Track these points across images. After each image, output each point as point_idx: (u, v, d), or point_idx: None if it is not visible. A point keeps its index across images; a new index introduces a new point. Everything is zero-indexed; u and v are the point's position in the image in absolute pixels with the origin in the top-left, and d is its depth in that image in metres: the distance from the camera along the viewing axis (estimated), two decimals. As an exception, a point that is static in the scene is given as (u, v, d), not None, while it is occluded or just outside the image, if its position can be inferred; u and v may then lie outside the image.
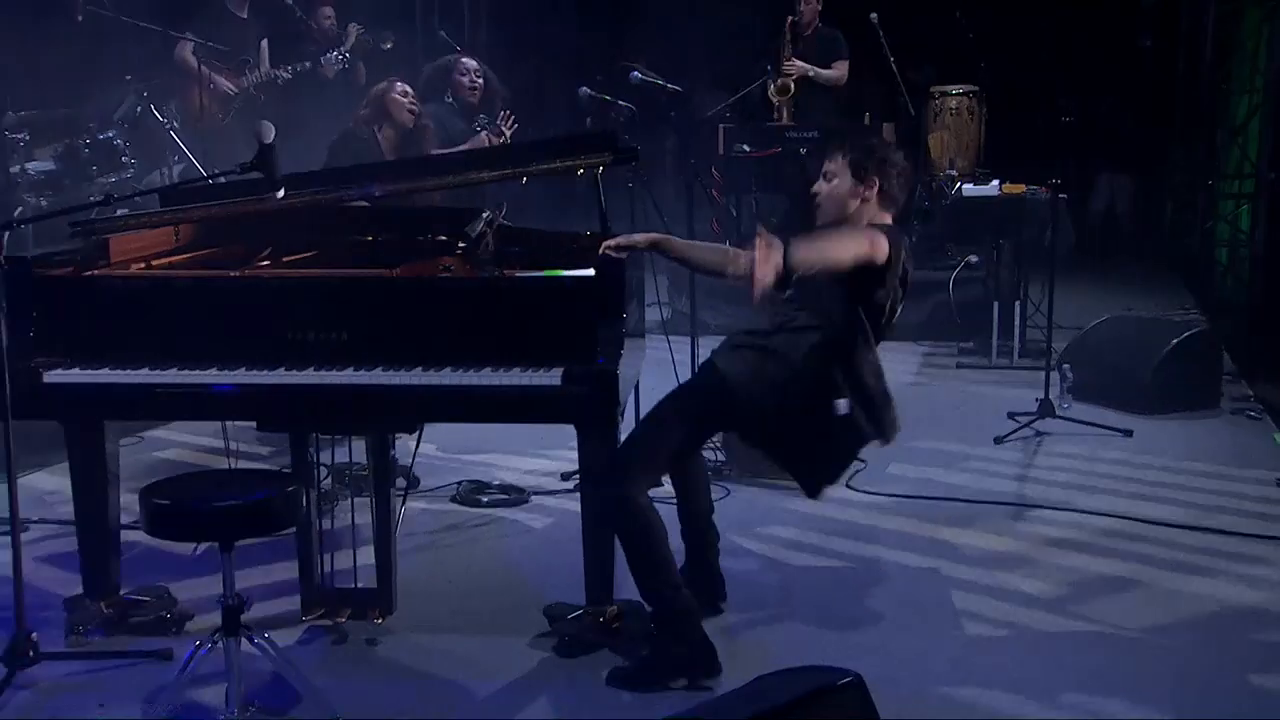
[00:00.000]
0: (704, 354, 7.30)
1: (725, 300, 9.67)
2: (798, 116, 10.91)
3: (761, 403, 4.61)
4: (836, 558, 5.80)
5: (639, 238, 4.82)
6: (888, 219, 4.85)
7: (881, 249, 4.53)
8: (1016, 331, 9.24)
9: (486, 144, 7.74)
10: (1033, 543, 5.92)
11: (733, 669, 4.44)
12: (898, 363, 9.27)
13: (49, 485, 5.71)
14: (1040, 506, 6.37)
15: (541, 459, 6.97)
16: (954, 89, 10.84)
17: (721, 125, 10.66)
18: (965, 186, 9.42)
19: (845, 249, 4.49)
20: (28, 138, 8.72)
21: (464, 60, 8.50)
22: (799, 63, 10.87)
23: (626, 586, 4.82)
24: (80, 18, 9.21)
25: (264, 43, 10.03)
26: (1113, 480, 6.76)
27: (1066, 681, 4.54)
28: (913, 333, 9.91)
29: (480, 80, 8.34)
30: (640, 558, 4.50)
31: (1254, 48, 11.19)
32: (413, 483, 6.27)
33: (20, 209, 8.14)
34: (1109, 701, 4.39)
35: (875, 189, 4.81)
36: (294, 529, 4.56)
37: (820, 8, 10.91)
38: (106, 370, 4.63)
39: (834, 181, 4.91)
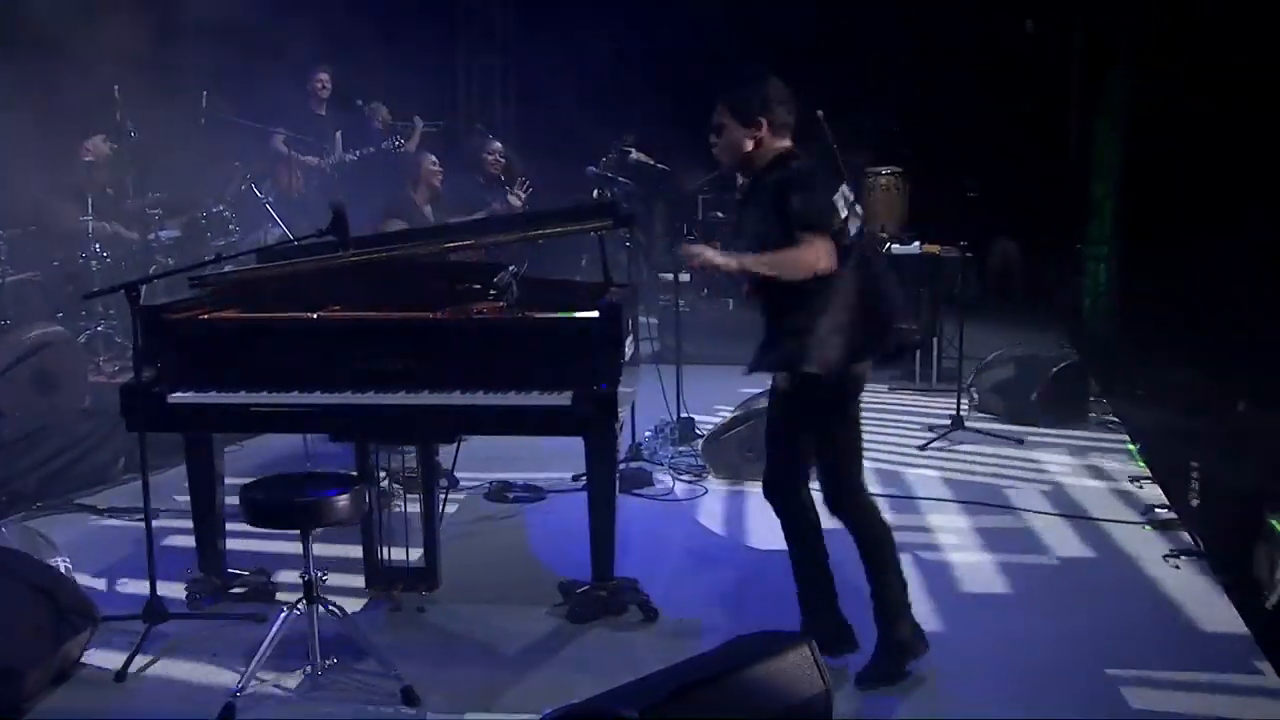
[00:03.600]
0: (689, 380, 7.33)
1: (703, 335, 9.62)
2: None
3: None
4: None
5: (720, 261, 4.06)
6: (787, 142, 4.21)
7: (826, 252, 3.91)
8: (935, 361, 9.21)
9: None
10: (951, 530, 5.88)
11: (708, 638, 4.38)
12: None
13: (172, 483, 5.65)
14: (956, 500, 6.32)
15: (555, 464, 6.90)
16: (884, 169, 10.81)
17: (700, 196, 10.67)
18: (893, 246, 9.39)
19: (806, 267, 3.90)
20: (161, 212, 8.75)
21: (492, 143, 8.60)
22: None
23: (625, 565, 4.77)
24: (203, 120, 9.25)
25: (338, 134, 10.05)
26: (1009, 479, 6.72)
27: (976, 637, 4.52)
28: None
29: (502, 160, 8.49)
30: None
31: (1106, 145, 11.32)
32: (453, 483, 6.21)
33: (154, 267, 8.13)
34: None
35: (765, 127, 4.14)
36: (359, 520, 4.48)
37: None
38: (214, 393, 4.60)
39: (725, 134, 4.25)
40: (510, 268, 4.78)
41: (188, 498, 5.01)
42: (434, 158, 7.32)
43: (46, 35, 8.80)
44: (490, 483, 6.46)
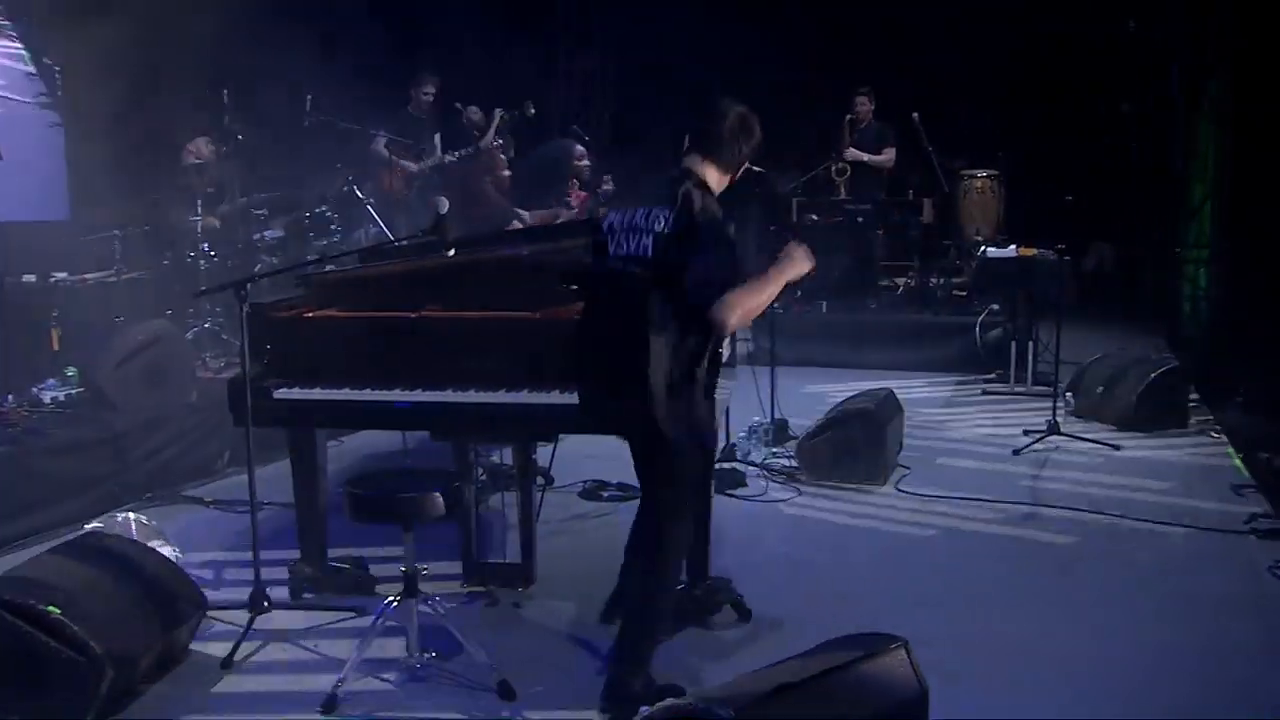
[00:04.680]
0: (782, 382, 7.29)
1: (797, 337, 9.60)
2: (854, 192, 10.83)
3: None
4: (887, 546, 5.68)
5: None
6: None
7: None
8: (1030, 364, 9.04)
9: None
10: (1044, 535, 5.78)
11: (801, 639, 4.33)
12: (934, 389, 9.12)
13: (274, 477, 5.74)
14: (1050, 506, 6.19)
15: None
16: (979, 172, 10.69)
17: (795, 198, 10.61)
18: (988, 250, 9.26)
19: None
20: (266, 213, 8.90)
21: (579, 147, 8.88)
22: (855, 150, 10.80)
23: (719, 565, 4.75)
24: (307, 123, 9.40)
25: (436, 136, 10.17)
26: (1105, 485, 6.56)
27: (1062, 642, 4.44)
28: (947, 365, 9.75)
29: (586, 163, 8.75)
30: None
31: (1206, 150, 11.05)
32: (549, 481, 6.22)
33: (259, 266, 8.28)
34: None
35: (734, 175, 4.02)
36: (458, 516, 4.51)
37: (873, 107, 10.84)
38: (319, 390, 4.66)
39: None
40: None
41: (291, 491, 5.08)
42: (501, 146, 7.41)
43: (156, 39, 9.01)
44: (585, 482, 6.47)
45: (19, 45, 9.36)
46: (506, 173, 6.84)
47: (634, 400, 3.79)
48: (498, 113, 10.27)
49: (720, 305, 3.70)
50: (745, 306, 3.77)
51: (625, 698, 3.87)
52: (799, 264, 3.97)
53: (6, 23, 9.01)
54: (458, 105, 10.26)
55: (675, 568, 4.07)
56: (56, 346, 7.39)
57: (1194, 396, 8.17)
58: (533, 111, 10.29)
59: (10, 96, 7.03)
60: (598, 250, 3.99)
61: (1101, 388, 7.99)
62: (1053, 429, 7.41)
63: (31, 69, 9.29)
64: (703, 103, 4.06)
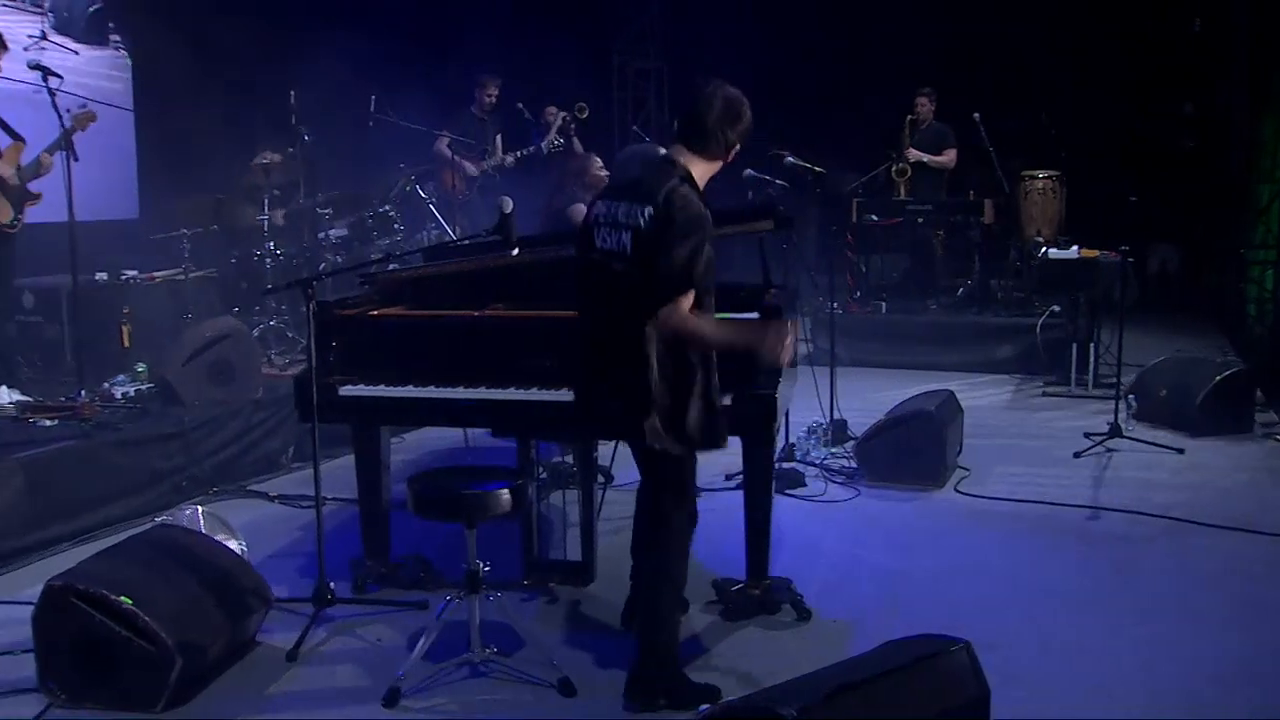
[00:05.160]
0: (841, 382, 7.25)
1: (856, 338, 9.54)
2: (914, 192, 10.75)
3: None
4: (945, 548, 5.62)
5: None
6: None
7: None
8: (1091, 367, 8.90)
9: None
10: (1105, 539, 5.69)
11: (861, 640, 4.31)
12: (994, 391, 9.03)
13: (337, 472, 5.79)
14: (1111, 509, 6.09)
15: (707, 463, 6.87)
16: (1040, 173, 10.55)
17: (855, 199, 10.55)
18: (1050, 251, 9.14)
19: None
20: (330, 212, 8.99)
21: (596, 158, 8.91)
22: (915, 151, 10.72)
23: (779, 565, 4.72)
24: (371, 124, 9.49)
25: (498, 136, 10.22)
26: (1169, 489, 6.45)
27: (1123, 645, 4.39)
28: (1007, 366, 9.64)
29: (605, 173, 8.75)
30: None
31: (1272, 147, 10.85)
32: (609, 479, 6.22)
33: (323, 265, 8.37)
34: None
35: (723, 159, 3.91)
36: (519, 514, 4.51)
37: (934, 107, 10.75)
38: (383, 387, 4.70)
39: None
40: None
41: (355, 487, 5.11)
42: (599, 160, 7.37)
43: (225, 42, 9.15)
44: (644, 480, 6.45)
45: (119, 51, 9.67)
46: (603, 173, 6.84)
47: (625, 403, 3.74)
48: (549, 111, 10.35)
49: (673, 310, 3.61)
50: (694, 330, 3.67)
51: (644, 692, 3.90)
52: (765, 342, 3.84)
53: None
54: (519, 105, 10.32)
55: (678, 560, 4.03)
56: (127, 343, 7.53)
57: (1260, 400, 8.02)
58: (585, 114, 10.34)
59: (93, 100, 7.15)
60: (583, 240, 3.92)
61: (1165, 390, 7.85)
62: (1115, 432, 7.30)
63: (120, 72, 9.57)
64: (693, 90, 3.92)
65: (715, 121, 3.80)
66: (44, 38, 9.26)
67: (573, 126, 10.28)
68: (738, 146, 3.89)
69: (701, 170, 3.85)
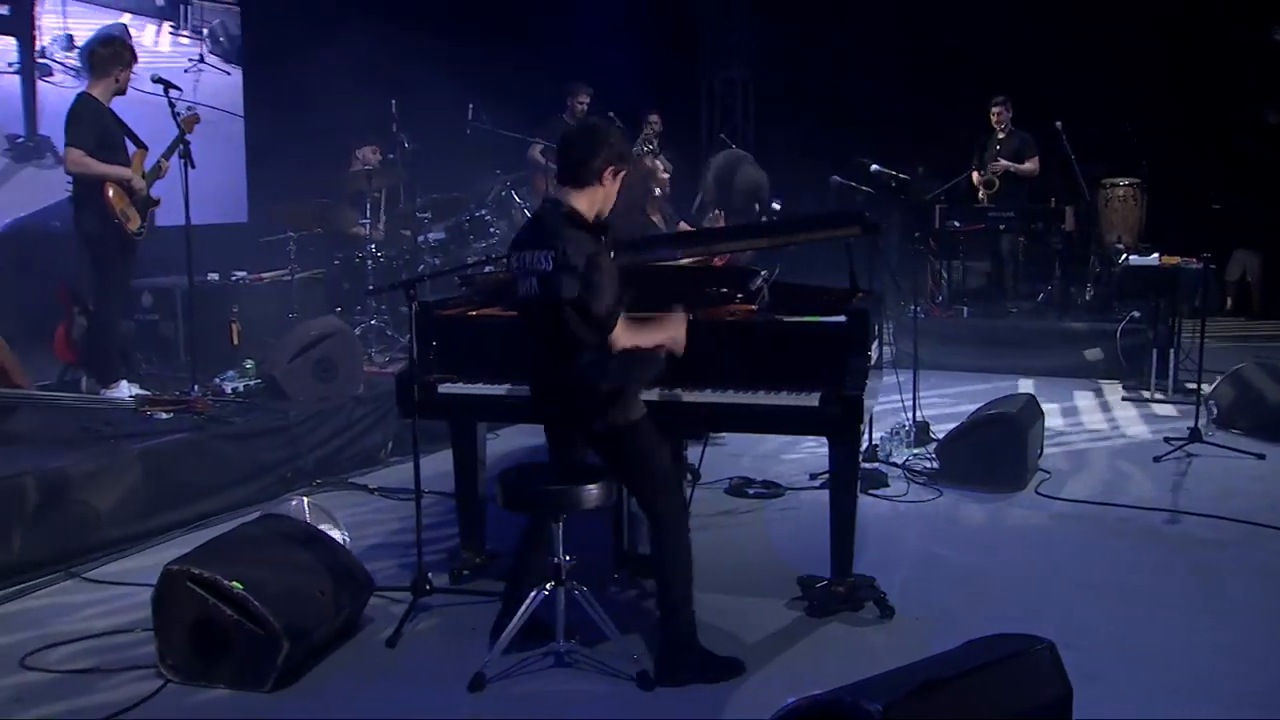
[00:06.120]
0: (924, 385, 7.20)
1: (938, 341, 9.47)
2: (996, 199, 10.62)
3: None
4: (1027, 549, 5.56)
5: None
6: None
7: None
8: (1171, 372, 8.75)
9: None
10: (1184, 542, 5.59)
11: (944, 638, 4.28)
12: (1075, 396, 8.90)
13: (434, 467, 5.87)
14: (1191, 513, 5.99)
15: (791, 463, 6.89)
16: (1121, 180, 10.39)
17: (937, 205, 10.46)
18: (1130, 258, 9.00)
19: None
20: (430, 215, 9.12)
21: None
22: (1003, 161, 10.58)
23: (862, 563, 4.70)
24: (468, 131, 9.62)
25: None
26: (1248, 494, 6.33)
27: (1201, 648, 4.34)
28: (1087, 372, 9.49)
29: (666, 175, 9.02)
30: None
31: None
32: (697, 477, 6.23)
33: (422, 266, 8.50)
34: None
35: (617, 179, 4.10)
36: (608, 509, 4.55)
37: (1010, 115, 10.60)
38: (480, 385, 4.77)
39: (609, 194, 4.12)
40: (762, 272, 4.78)
41: (452, 481, 5.19)
42: (662, 165, 7.40)
43: (330, 53, 9.33)
44: (731, 478, 6.47)
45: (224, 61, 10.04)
46: (665, 175, 6.87)
47: (579, 418, 4.10)
48: (652, 120, 10.45)
49: (618, 336, 3.93)
50: (632, 343, 3.99)
51: (677, 667, 4.08)
52: (671, 331, 4.15)
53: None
54: (610, 114, 10.36)
55: (682, 542, 4.17)
56: (236, 341, 7.73)
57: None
58: (658, 126, 10.49)
59: (211, 106, 7.38)
60: (512, 288, 4.18)
61: (1246, 396, 7.70)
62: (1194, 436, 7.17)
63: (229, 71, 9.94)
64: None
65: (580, 156, 4.01)
66: (202, 60, 9.90)
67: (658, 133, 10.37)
68: (620, 167, 4.07)
69: (587, 203, 4.04)
